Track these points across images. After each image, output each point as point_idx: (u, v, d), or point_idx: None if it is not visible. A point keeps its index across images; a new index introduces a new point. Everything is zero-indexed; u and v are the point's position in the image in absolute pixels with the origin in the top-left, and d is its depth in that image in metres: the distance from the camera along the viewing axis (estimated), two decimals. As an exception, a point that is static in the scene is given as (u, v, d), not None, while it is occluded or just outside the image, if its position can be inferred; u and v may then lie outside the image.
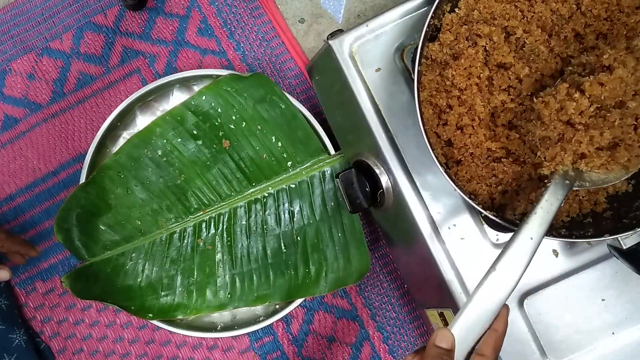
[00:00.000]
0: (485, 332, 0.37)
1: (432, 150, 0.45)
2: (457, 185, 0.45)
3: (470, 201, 0.45)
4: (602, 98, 0.40)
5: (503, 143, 0.48)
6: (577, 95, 0.40)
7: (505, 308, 0.38)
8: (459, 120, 0.48)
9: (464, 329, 0.37)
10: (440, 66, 0.49)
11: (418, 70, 0.46)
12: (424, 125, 0.45)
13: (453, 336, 0.37)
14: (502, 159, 0.48)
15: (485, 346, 0.37)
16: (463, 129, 0.48)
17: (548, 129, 0.42)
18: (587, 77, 0.41)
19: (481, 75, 0.48)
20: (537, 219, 0.39)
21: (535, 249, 0.38)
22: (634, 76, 0.40)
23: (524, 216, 0.48)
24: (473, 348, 0.37)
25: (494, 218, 0.46)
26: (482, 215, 0.51)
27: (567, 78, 0.43)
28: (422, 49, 0.46)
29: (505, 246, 0.39)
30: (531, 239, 0.39)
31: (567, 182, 0.41)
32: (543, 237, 0.39)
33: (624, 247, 0.46)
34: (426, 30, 0.46)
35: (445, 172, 0.44)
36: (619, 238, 0.45)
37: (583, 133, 0.40)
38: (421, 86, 0.48)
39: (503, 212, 0.48)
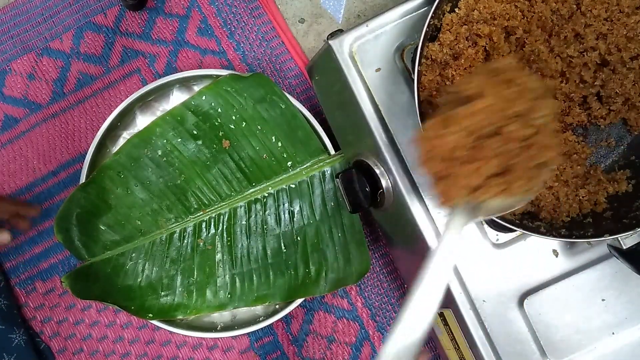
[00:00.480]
0: None
1: None
2: None
3: None
4: (474, 129, 0.37)
5: None
6: (447, 130, 0.37)
7: (424, 353, 0.37)
8: None
9: None
10: (440, 66, 0.49)
11: (418, 71, 0.46)
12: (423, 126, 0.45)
13: None
14: None
15: None
16: None
17: (433, 165, 0.39)
18: (454, 110, 0.38)
19: None
20: (441, 255, 0.37)
21: (443, 286, 0.37)
22: (501, 101, 0.37)
23: (523, 216, 0.48)
24: None
25: (493, 218, 0.46)
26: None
27: (438, 111, 0.40)
28: (422, 49, 0.46)
29: (416, 282, 0.37)
30: (438, 277, 0.37)
31: (468, 213, 0.38)
32: (449, 274, 0.37)
33: (624, 247, 0.46)
34: (426, 30, 0.46)
35: None
36: (619, 238, 0.45)
37: (467, 166, 0.37)
38: (421, 86, 0.48)
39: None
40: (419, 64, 0.46)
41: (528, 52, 0.49)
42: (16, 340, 0.64)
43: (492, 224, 0.52)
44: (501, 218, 0.46)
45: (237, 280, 0.65)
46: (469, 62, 0.47)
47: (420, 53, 0.46)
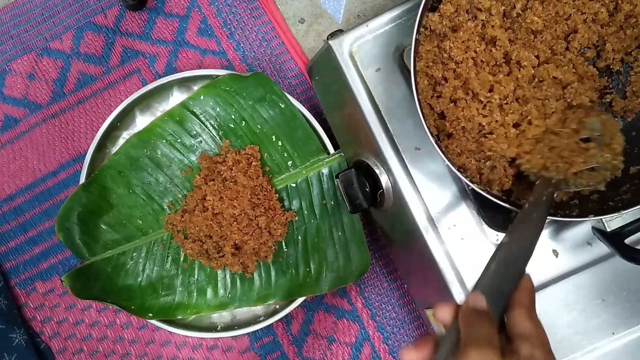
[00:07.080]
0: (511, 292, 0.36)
1: (425, 120, 0.44)
2: (447, 158, 0.45)
3: (459, 174, 0.45)
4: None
5: (494, 118, 0.48)
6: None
7: (527, 278, 0.37)
8: (453, 93, 0.48)
9: (493, 286, 0.35)
10: (439, 38, 0.48)
11: (416, 39, 0.45)
12: (417, 95, 0.44)
13: (483, 296, 0.35)
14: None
15: (521, 297, 0.35)
16: (456, 102, 0.48)
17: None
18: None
19: (478, 49, 0.48)
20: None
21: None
22: None
23: (509, 193, 0.48)
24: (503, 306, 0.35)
25: (480, 191, 0.45)
26: (470, 188, 0.50)
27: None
28: (421, 17, 0.45)
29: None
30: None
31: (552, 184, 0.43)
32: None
33: (608, 230, 0.46)
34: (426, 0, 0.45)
35: (436, 143, 0.44)
36: (603, 220, 0.45)
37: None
38: (418, 56, 0.48)
39: (490, 187, 0.48)
40: (417, 33, 0.45)
41: (527, 27, 0.48)
42: (17, 340, 0.64)
43: (492, 224, 0.51)
44: (488, 193, 0.46)
45: (237, 280, 0.65)
46: (467, 36, 0.47)
47: (419, 22, 0.45)
